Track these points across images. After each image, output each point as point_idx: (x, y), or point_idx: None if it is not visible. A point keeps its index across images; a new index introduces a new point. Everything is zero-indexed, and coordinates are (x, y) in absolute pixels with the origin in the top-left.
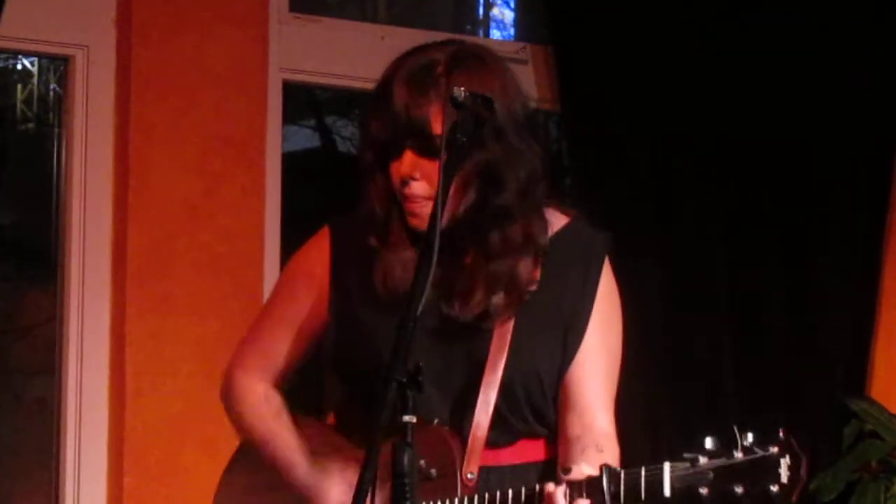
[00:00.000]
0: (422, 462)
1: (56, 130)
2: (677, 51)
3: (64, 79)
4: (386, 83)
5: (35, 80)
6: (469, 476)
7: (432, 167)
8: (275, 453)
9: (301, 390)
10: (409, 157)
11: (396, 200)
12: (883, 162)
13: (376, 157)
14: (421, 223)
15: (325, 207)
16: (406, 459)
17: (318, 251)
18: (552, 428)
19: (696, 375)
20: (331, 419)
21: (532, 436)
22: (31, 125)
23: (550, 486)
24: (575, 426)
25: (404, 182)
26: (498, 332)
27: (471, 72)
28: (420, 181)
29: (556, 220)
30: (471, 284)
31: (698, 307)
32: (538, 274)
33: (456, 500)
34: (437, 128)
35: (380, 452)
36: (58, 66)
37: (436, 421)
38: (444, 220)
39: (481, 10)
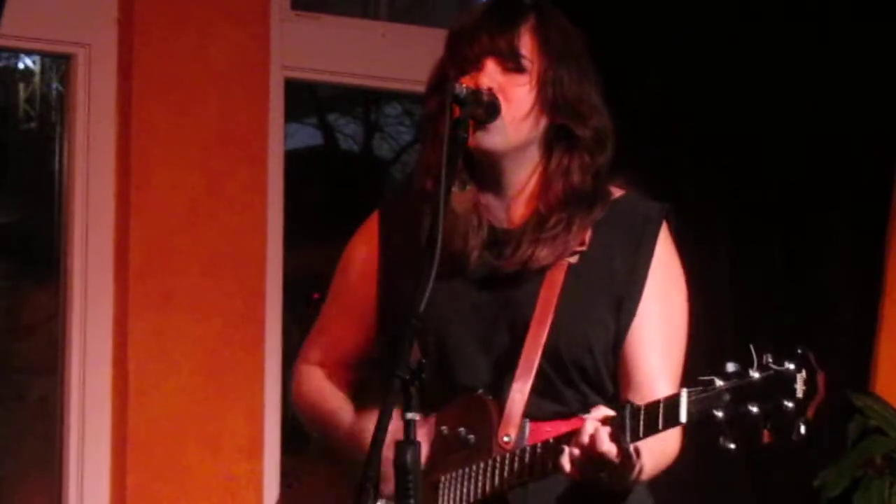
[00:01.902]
0: (461, 430)
1: (58, 129)
2: (679, 49)
3: (66, 77)
4: (468, 15)
5: (37, 78)
6: (505, 439)
7: (509, 84)
8: (324, 405)
9: None
10: (489, 66)
11: None
12: (886, 158)
13: (442, 101)
14: (486, 139)
15: (328, 205)
16: (409, 457)
17: (366, 234)
18: (613, 401)
19: (697, 373)
20: None
21: (589, 410)
22: (33, 124)
23: (589, 426)
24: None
25: None
26: (544, 295)
27: (557, 19)
28: (497, 94)
29: (614, 192)
30: (522, 237)
31: (699, 304)
32: (587, 236)
33: (488, 462)
34: (523, 49)
35: (381, 450)
36: (60, 64)
37: (479, 391)
38: (506, 146)
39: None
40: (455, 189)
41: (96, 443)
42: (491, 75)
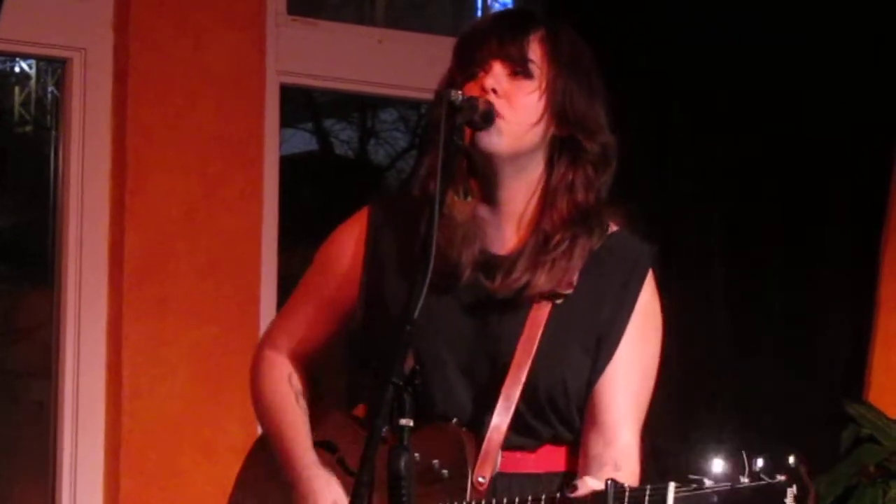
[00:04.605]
0: (435, 462)
1: (54, 133)
2: (676, 49)
3: (62, 81)
4: (478, 23)
5: (33, 82)
6: (480, 480)
7: (516, 90)
8: (280, 441)
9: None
10: (496, 69)
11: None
12: (882, 166)
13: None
14: (488, 140)
15: (323, 210)
16: (403, 463)
17: (354, 229)
18: (578, 437)
19: (694, 379)
20: (360, 411)
21: (557, 442)
22: (28, 128)
23: None
24: (597, 443)
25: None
26: (527, 332)
27: (568, 34)
28: (500, 99)
29: (610, 225)
30: (515, 263)
31: (695, 310)
32: (575, 278)
33: None
34: (532, 55)
35: (376, 455)
36: (55, 68)
37: (454, 420)
38: (508, 150)
39: (479, 13)
40: (457, 198)
41: (90, 447)
42: (497, 78)
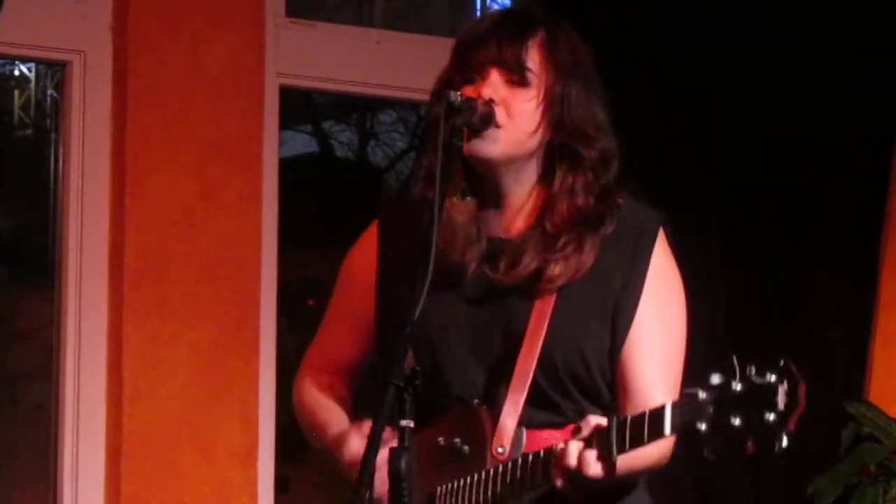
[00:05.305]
0: (456, 440)
1: (53, 136)
2: (675, 48)
3: (61, 84)
4: (477, 24)
5: (32, 85)
6: (499, 450)
7: (514, 98)
8: (316, 416)
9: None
10: (493, 77)
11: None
12: (881, 166)
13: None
14: (482, 147)
15: (323, 212)
16: (403, 465)
17: (366, 240)
18: (609, 410)
19: (693, 378)
20: None
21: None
22: (28, 131)
23: (561, 445)
24: (628, 410)
25: None
26: (538, 305)
27: (568, 36)
28: (498, 107)
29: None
30: (521, 249)
31: (694, 310)
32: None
33: (482, 474)
34: (530, 62)
35: (375, 457)
36: (55, 71)
37: (475, 401)
38: (504, 156)
39: (478, 15)
40: (455, 199)
41: (91, 449)
42: (494, 86)
